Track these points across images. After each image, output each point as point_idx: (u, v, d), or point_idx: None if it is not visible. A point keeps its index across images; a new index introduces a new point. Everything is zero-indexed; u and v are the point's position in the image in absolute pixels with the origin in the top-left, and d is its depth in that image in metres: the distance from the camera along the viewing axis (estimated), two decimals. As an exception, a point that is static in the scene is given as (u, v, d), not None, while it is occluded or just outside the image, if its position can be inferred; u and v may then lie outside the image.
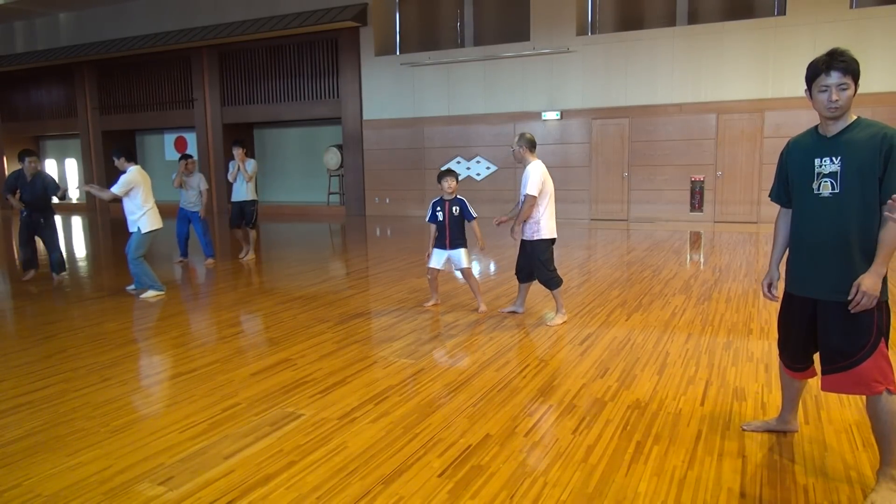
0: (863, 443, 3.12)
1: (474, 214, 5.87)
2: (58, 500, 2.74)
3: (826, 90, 2.59)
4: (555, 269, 5.48)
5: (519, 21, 14.25)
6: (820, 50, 2.67)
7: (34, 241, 7.93)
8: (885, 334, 2.63)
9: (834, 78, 2.56)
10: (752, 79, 11.95)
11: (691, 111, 12.52)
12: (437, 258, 5.92)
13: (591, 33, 13.76)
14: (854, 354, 2.61)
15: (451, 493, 2.73)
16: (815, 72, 2.63)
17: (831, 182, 2.61)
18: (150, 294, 6.83)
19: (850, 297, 2.55)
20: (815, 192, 2.66)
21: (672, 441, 3.18)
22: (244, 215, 9.16)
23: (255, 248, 9.53)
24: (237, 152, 8.97)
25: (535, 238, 5.42)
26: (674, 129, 12.69)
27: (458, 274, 6.26)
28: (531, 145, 5.40)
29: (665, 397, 3.76)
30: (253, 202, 9.17)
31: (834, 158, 2.62)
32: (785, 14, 11.74)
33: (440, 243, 5.87)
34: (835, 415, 3.45)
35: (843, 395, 3.66)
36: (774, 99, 11.81)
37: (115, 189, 6.68)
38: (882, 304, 2.60)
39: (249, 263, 8.98)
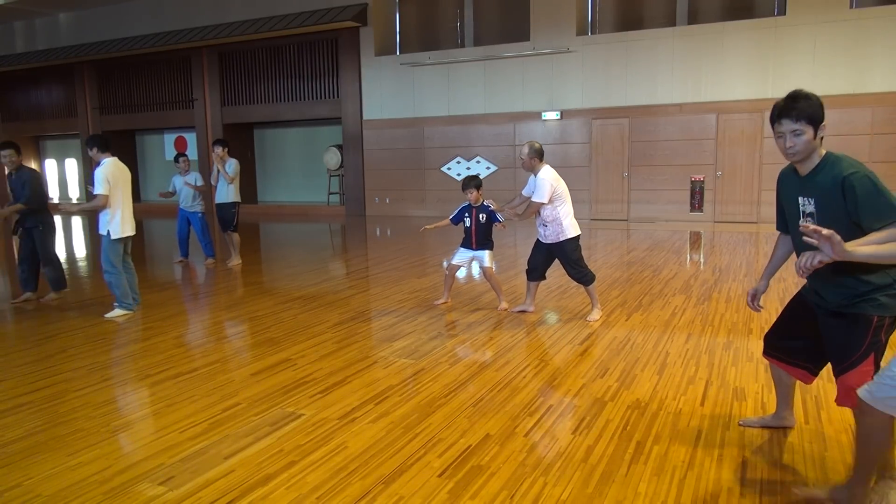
0: (863, 443, 3.12)
1: (501, 219, 5.90)
2: (58, 500, 2.75)
3: (781, 136, 2.58)
4: (586, 266, 5.58)
5: (519, 21, 14.25)
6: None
7: (33, 256, 6.58)
8: (877, 353, 2.59)
9: (785, 126, 2.55)
10: (752, 79, 11.94)
11: (691, 111, 12.52)
12: (462, 256, 6.05)
13: (591, 33, 13.75)
14: (840, 364, 2.64)
15: (451, 493, 2.73)
16: (771, 116, 2.64)
17: (812, 222, 2.59)
18: (116, 313, 5.95)
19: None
20: None
21: (672, 441, 3.19)
22: (224, 219, 8.72)
23: (256, 248, 9.50)
24: (217, 151, 8.45)
25: (562, 239, 5.49)
26: (674, 129, 12.68)
27: (466, 271, 6.27)
28: (540, 154, 5.49)
29: (665, 397, 3.76)
30: (233, 204, 8.66)
31: (809, 200, 2.62)
32: (785, 14, 11.71)
33: (466, 244, 5.99)
34: (834, 414, 3.45)
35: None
36: (774, 99, 11.47)
37: (100, 189, 5.69)
38: (880, 327, 2.54)
39: (236, 268, 8.56)
